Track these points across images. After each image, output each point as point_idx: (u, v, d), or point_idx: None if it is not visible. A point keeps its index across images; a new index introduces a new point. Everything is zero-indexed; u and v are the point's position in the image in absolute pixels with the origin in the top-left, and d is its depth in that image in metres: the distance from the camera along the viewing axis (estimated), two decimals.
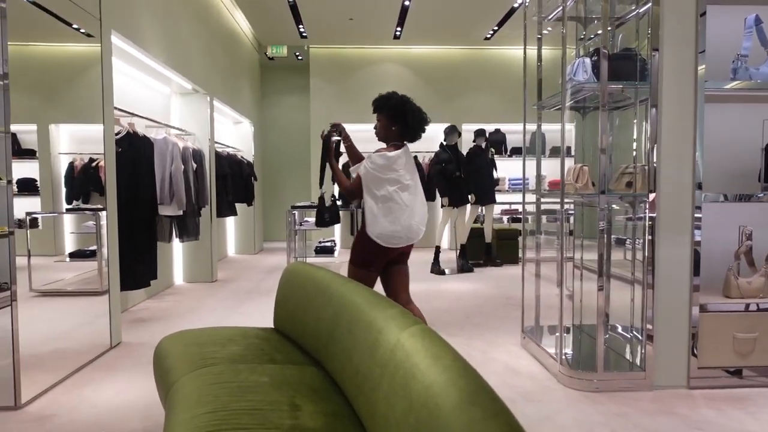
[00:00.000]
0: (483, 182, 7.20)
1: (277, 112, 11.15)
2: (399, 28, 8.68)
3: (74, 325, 4.05)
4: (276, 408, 1.58)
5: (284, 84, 11.26)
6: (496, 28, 8.68)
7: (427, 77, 9.92)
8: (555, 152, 8.82)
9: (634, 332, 3.43)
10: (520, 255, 7.78)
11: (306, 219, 6.54)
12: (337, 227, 9.78)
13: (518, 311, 4.25)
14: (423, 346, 1.28)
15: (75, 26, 3.62)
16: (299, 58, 10.62)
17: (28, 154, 3.75)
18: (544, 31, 3.78)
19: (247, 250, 9.27)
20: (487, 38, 9.28)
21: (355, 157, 3.28)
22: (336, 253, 6.29)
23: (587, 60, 3.21)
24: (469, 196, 7.09)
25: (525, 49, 3.90)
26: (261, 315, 4.81)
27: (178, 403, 1.66)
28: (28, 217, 3.40)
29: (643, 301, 3.09)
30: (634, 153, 3.47)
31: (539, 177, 4.00)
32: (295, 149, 11.04)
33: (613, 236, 3.62)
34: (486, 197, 7.26)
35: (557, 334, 3.25)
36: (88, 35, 3.75)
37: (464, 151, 7.38)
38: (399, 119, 3.04)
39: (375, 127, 3.16)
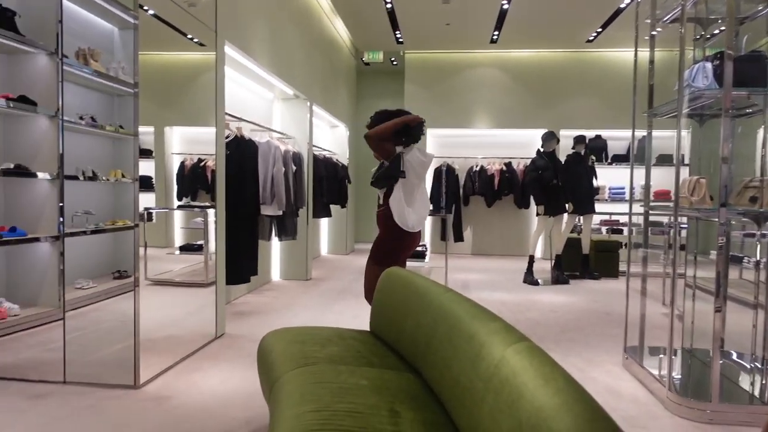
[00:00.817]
0: (582, 191, 6.91)
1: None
2: (496, 32, 8.55)
3: (183, 314, 4.37)
4: (376, 412, 1.60)
5: (379, 88, 11.47)
6: (600, 29, 8.30)
7: (524, 82, 9.68)
8: (662, 160, 8.25)
9: (755, 361, 3.13)
10: (621, 268, 7.42)
11: None
12: (428, 233, 9.79)
13: (618, 329, 4.03)
14: (531, 364, 1.25)
15: (189, 36, 3.91)
16: (394, 63, 10.76)
17: (145, 154, 4.09)
18: (653, 32, 3.55)
19: (339, 250, 9.53)
20: (589, 41, 8.89)
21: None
22: (427, 258, 6.30)
23: (708, 65, 2.98)
24: (567, 205, 6.83)
25: (636, 51, 3.69)
26: (352, 315, 4.92)
27: (283, 399, 1.74)
28: (145, 212, 3.72)
29: (766, 326, 2.82)
30: (759, 164, 3.17)
31: (648, 188, 3.77)
32: None
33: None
34: (584, 206, 6.96)
35: (664, 356, 3.04)
36: (201, 44, 4.03)
37: (562, 158, 7.12)
38: (401, 131, 3.38)
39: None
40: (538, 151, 6.79)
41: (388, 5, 7.44)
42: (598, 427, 0.98)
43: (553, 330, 4.53)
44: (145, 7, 3.32)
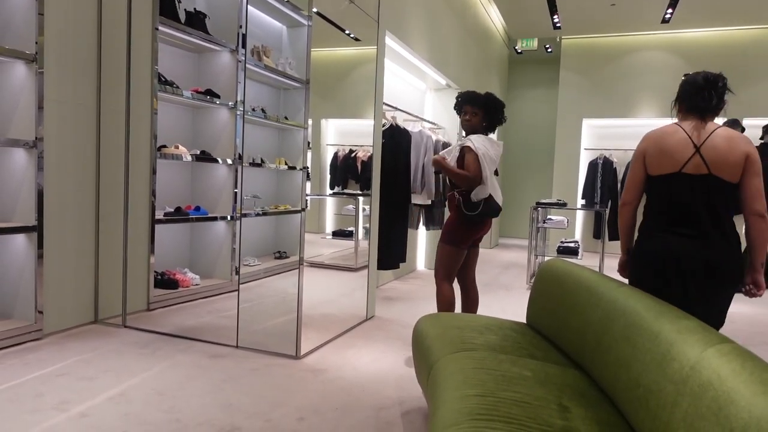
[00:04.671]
0: None
1: (522, 105, 10.98)
2: (670, 10, 7.73)
3: (335, 295, 4.60)
4: (544, 405, 1.52)
5: (531, 77, 11.03)
6: None
7: (700, 65, 8.53)
8: None
9: None
10: None
11: (550, 217, 6.30)
12: (579, 229, 9.25)
13: None
14: (743, 368, 1.09)
15: (347, 32, 4.07)
16: (549, 50, 10.27)
17: None
18: None
19: (483, 244, 9.36)
20: None
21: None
22: (580, 255, 5.93)
23: None
24: None
25: None
26: (500, 308, 4.80)
27: (444, 380, 1.72)
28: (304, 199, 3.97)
29: None
30: None
31: None
32: (539, 143, 10.76)
33: None
34: None
35: None
36: (356, 39, 4.18)
37: None
38: (492, 116, 3.40)
39: (467, 119, 3.42)
40: None
41: None
42: None
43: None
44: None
